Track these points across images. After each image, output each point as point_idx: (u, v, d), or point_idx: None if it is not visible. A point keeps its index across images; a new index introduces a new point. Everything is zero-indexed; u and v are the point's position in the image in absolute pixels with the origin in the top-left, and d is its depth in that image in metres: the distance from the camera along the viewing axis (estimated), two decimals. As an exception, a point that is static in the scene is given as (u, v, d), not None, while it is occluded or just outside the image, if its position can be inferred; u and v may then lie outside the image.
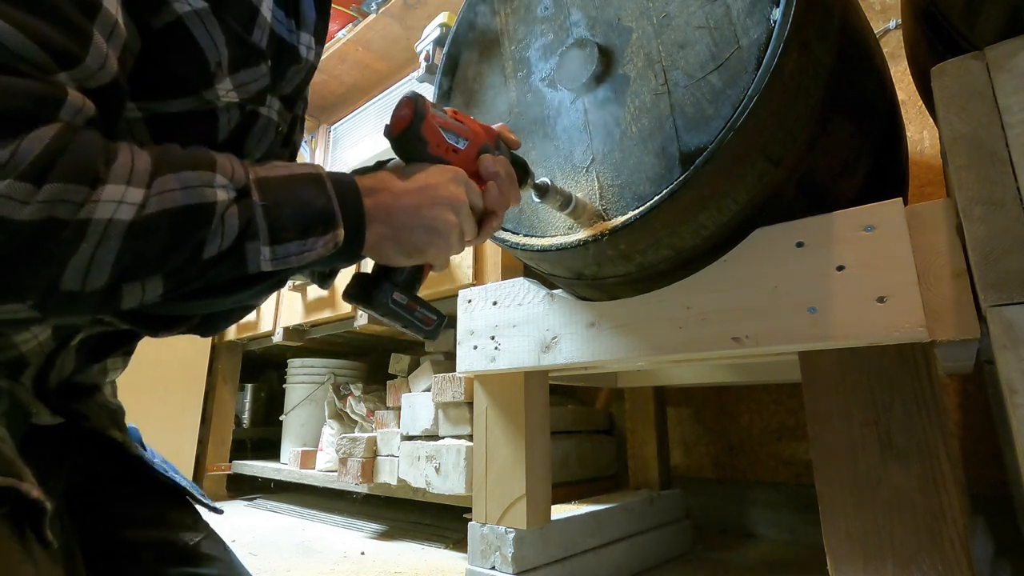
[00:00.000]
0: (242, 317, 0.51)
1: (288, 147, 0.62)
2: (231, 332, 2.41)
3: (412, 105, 0.52)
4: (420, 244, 0.49)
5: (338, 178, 0.46)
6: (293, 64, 0.53)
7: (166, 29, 0.42)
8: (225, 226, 0.38)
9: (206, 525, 0.59)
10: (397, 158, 0.55)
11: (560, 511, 1.15)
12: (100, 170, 0.33)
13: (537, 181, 0.70)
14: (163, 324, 0.44)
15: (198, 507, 0.61)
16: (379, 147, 2.60)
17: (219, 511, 0.63)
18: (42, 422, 0.49)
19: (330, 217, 0.43)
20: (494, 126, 0.60)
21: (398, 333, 2.00)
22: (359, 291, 0.52)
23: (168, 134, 0.44)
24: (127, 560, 0.53)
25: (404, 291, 0.52)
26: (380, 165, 0.55)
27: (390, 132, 0.53)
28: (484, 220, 0.56)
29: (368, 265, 0.53)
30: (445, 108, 0.55)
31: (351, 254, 0.47)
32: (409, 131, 0.51)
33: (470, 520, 1.08)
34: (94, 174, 0.33)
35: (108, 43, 0.37)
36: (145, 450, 0.60)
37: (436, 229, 0.49)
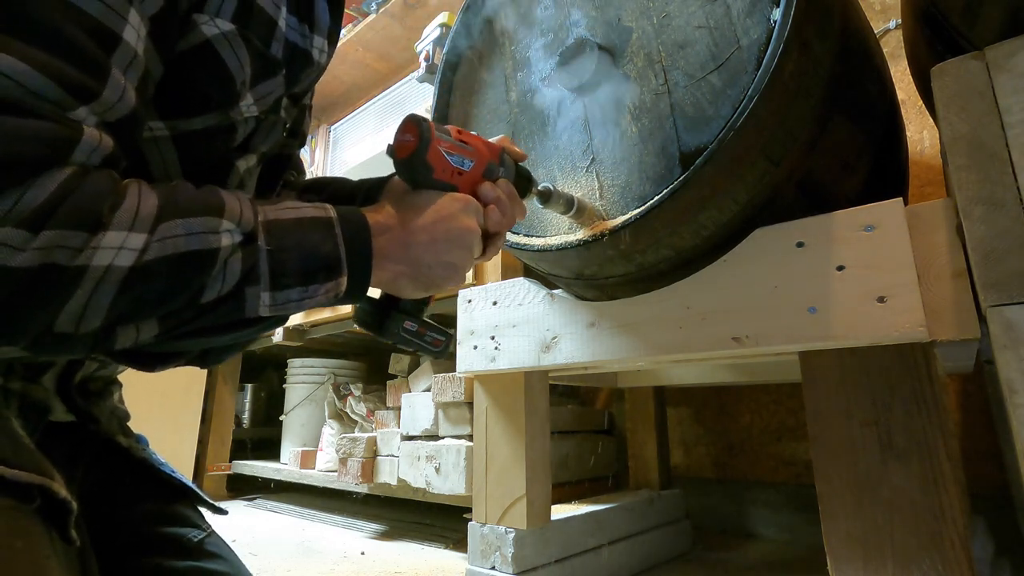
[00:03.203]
0: (243, 350, 0.51)
1: (297, 137, 0.62)
2: (231, 332, 2.41)
3: (416, 131, 0.51)
4: (438, 279, 0.49)
5: (348, 219, 0.45)
6: (306, 68, 0.54)
7: (193, 51, 0.42)
8: (227, 271, 0.38)
9: (209, 524, 0.60)
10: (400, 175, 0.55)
11: (560, 511, 1.15)
12: (103, 215, 0.33)
13: (540, 188, 0.70)
14: (158, 360, 0.44)
15: (201, 508, 0.62)
16: (379, 147, 2.60)
17: (223, 511, 0.63)
18: (57, 418, 0.49)
19: (335, 264, 0.43)
20: (495, 139, 0.59)
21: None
22: (369, 319, 0.53)
23: (190, 146, 0.45)
24: (134, 554, 0.53)
25: (413, 318, 0.53)
26: (386, 180, 0.55)
27: (394, 155, 0.52)
28: (488, 241, 0.56)
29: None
30: (449, 128, 0.54)
31: (354, 298, 0.47)
32: (414, 157, 0.51)
33: (470, 520, 1.08)
34: (96, 219, 0.33)
35: (126, 75, 0.37)
36: (150, 453, 0.60)
37: (453, 264, 0.49)
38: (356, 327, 1.97)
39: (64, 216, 0.32)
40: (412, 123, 0.51)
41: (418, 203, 0.50)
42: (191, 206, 0.37)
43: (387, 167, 0.57)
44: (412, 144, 0.51)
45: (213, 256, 0.37)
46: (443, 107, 1.01)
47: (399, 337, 0.53)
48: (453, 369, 1.40)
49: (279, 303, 0.41)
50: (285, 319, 0.45)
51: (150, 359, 0.44)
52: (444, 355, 0.56)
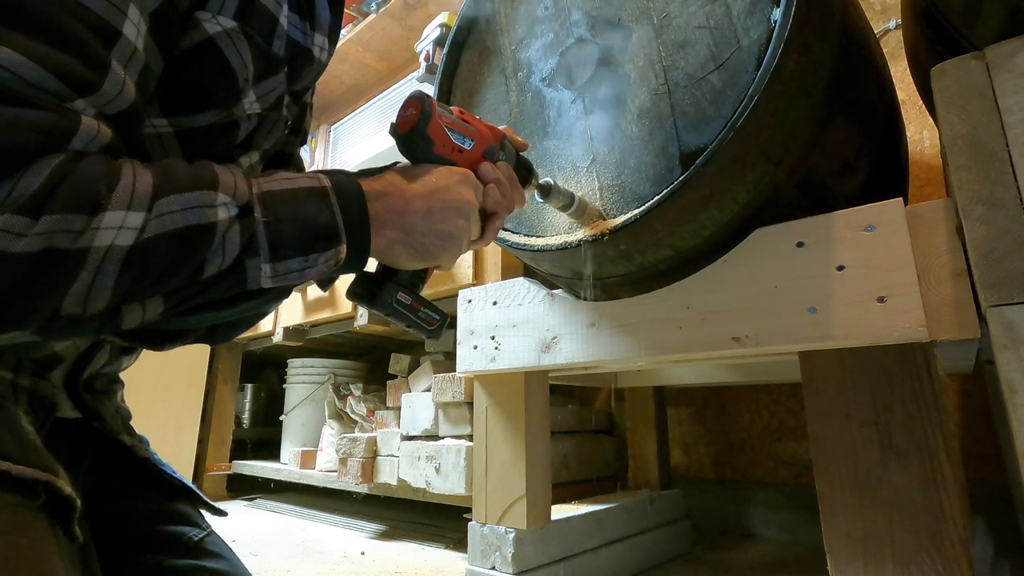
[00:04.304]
0: (252, 325, 0.51)
1: (298, 135, 0.62)
2: (231, 332, 2.42)
3: (419, 104, 0.51)
4: (433, 248, 0.49)
5: (343, 188, 0.45)
6: (307, 65, 0.54)
7: (197, 48, 0.43)
8: (226, 245, 0.38)
9: (208, 524, 0.60)
10: (404, 160, 0.55)
11: (560, 511, 1.15)
12: (102, 196, 0.33)
13: (540, 182, 0.70)
14: (167, 338, 0.44)
15: (202, 509, 0.62)
16: (379, 147, 2.60)
17: (223, 513, 0.64)
18: (63, 415, 0.50)
19: (333, 234, 0.43)
20: (499, 127, 0.60)
21: (398, 333, 2.00)
22: (363, 291, 0.52)
23: (193, 143, 0.45)
24: (135, 552, 0.53)
25: (408, 291, 0.52)
26: (389, 168, 0.55)
27: (396, 130, 0.52)
28: (487, 222, 0.56)
29: (371, 262, 0.53)
30: (452, 108, 0.55)
31: (355, 266, 0.47)
32: (415, 131, 0.51)
33: (470, 520, 1.08)
34: (94, 201, 0.33)
35: (126, 69, 0.37)
36: (151, 453, 0.60)
37: (449, 233, 0.49)
38: (356, 327, 1.96)
39: (63, 200, 0.32)
40: (415, 98, 0.52)
41: (417, 173, 0.50)
42: (186, 181, 0.37)
43: (388, 166, 0.57)
44: (414, 117, 0.51)
45: (211, 230, 0.37)
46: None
47: (392, 309, 0.52)
48: (453, 369, 1.40)
49: (280, 274, 0.41)
50: (289, 291, 0.45)
51: (158, 338, 0.44)
52: (437, 335, 0.55)
